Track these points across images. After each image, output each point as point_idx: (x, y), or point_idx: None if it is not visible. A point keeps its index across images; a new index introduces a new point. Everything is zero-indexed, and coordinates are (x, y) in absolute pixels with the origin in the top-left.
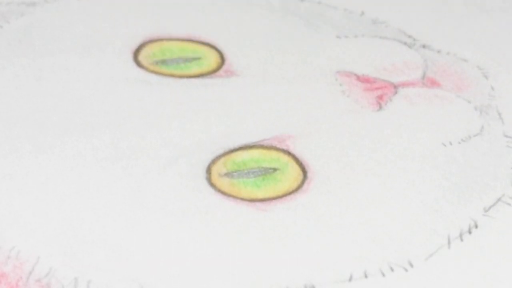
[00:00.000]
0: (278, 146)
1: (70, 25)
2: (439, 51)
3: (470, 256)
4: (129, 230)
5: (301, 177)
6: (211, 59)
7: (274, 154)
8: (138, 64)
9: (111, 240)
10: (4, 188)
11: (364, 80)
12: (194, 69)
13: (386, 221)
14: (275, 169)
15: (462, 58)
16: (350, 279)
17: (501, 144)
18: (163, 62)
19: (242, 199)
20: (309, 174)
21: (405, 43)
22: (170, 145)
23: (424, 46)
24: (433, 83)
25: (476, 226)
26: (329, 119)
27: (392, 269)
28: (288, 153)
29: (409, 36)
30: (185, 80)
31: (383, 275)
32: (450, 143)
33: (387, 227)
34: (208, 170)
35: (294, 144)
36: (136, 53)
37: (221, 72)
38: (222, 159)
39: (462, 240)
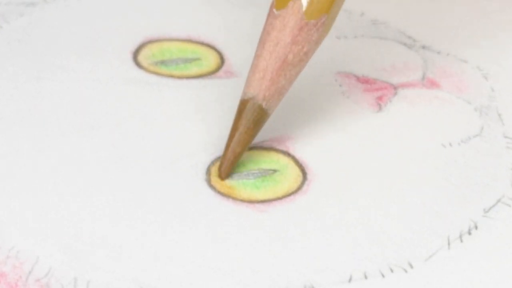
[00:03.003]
0: (278, 147)
1: (70, 25)
2: (439, 52)
3: (470, 257)
4: (129, 230)
5: (300, 178)
6: (211, 60)
7: (273, 155)
8: (138, 64)
9: (111, 240)
10: (4, 188)
11: (364, 81)
12: (194, 69)
13: (386, 222)
14: (274, 171)
15: (462, 59)
16: (350, 280)
17: (501, 145)
18: (163, 62)
19: (242, 200)
20: (308, 176)
21: (405, 44)
22: (169, 146)
23: (424, 47)
24: (433, 84)
25: (476, 227)
26: (328, 120)
27: (391, 270)
28: (287, 154)
29: (409, 37)
30: (184, 80)
31: (383, 276)
32: (450, 144)
33: (386, 228)
34: (208, 172)
35: (293, 145)
36: (136, 54)
37: (220, 72)
38: None
39: (462, 241)
